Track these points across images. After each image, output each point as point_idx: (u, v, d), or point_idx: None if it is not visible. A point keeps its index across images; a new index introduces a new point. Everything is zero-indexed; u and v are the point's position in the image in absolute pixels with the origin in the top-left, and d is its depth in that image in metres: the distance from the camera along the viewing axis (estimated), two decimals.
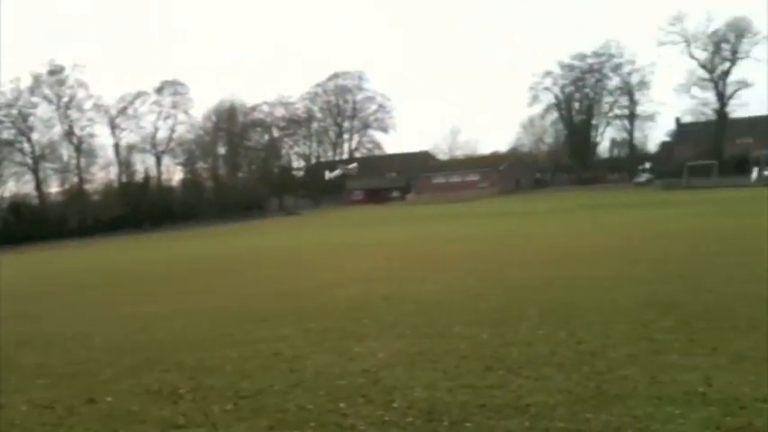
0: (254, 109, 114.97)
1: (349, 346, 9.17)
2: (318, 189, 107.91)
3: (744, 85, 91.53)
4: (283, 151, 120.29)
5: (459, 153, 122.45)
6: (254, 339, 10.22)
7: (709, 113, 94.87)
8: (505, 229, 35.07)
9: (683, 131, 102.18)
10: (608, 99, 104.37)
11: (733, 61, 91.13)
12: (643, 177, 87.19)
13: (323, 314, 12.04)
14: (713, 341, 7.86)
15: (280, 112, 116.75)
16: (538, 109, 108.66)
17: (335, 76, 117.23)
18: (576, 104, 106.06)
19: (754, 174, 71.43)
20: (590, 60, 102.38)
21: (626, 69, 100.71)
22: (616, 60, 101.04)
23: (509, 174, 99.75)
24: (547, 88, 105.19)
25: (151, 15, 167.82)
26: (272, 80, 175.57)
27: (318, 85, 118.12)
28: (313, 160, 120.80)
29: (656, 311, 9.85)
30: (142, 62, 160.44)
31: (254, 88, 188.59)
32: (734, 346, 7.57)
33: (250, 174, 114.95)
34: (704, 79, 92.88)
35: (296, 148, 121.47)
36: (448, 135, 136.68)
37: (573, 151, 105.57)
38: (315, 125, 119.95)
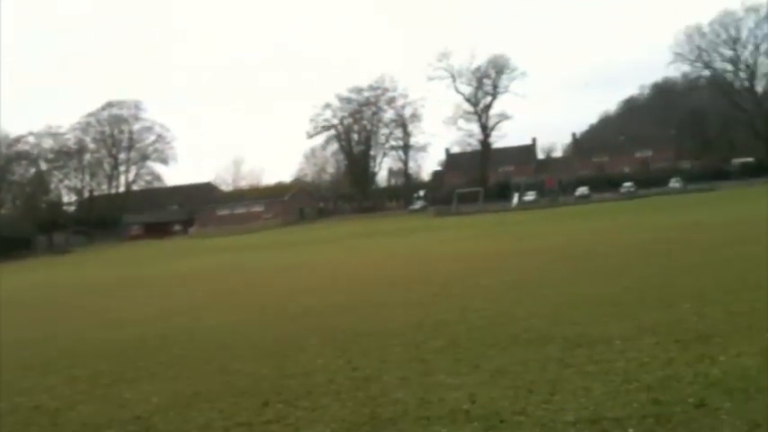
0: (18, 140, 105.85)
1: (120, 391, 8.67)
2: (92, 224, 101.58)
3: (504, 117, 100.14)
4: (52, 185, 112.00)
5: (244, 184, 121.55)
6: (14, 391, 9.36)
7: (474, 144, 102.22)
8: (289, 258, 35.14)
9: (453, 161, 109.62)
10: (384, 131, 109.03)
11: (494, 95, 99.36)
12: (417, 204, 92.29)
13: (93, 359, 11.29)
14: (476, 359, 8.39)
15: (48, 143, 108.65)
16: (319, 140, 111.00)
17: (110, 105, 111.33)
18: (356, 136, 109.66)
19: (515, 199, 78.55)
20: (366, 93, 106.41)
21: (400, 102, 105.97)
22: (390, 94, 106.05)
23: (293, 204, 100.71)
24: (326, 120, 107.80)
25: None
26: None
27: (91, 114, 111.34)
28: (86, 194, 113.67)
29: (427, 333, 10.36)
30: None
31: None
32: (494, 363, 8.12)
33: (14, 210, 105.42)
34: (469, 112, 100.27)
35: (66, 182, 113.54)
36: (231, 165, 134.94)
37: (354, 181, 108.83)
38: (87, 157, 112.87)
